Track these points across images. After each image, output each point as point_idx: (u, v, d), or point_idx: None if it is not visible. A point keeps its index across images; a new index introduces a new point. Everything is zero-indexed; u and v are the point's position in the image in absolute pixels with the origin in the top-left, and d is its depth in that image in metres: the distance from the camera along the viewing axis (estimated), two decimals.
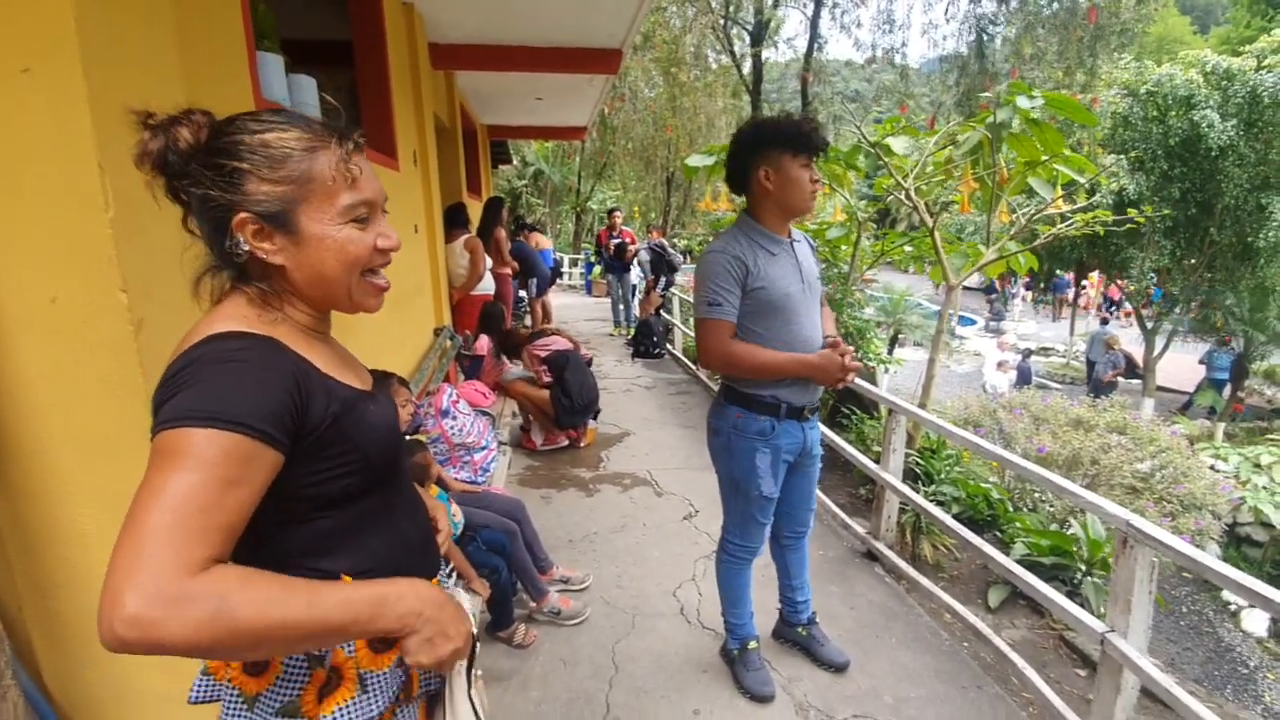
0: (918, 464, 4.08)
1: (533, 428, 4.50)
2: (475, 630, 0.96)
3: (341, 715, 0.86)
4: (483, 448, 3.00)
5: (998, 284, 18.89)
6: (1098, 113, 9.20)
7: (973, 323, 17.09)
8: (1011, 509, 3.62)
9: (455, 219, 5.25)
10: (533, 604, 2.58)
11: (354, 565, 0.90)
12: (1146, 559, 1.77)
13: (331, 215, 0.84)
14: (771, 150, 1.85)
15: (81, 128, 1.12)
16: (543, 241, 10.56)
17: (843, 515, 3.39)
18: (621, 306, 9.26)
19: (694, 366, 6.83)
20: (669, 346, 7.85)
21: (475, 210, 6.51)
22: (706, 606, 2.67)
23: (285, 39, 4.25)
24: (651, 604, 2.72)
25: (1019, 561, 3.20)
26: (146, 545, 0.65)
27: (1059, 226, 3.70)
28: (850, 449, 3.29)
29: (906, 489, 2.91)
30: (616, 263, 9.10)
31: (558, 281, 13.91)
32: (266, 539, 0.82)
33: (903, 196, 3.80)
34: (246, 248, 0.81)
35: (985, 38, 10.95)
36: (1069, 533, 3.21)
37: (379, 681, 0.88)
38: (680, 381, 6.52)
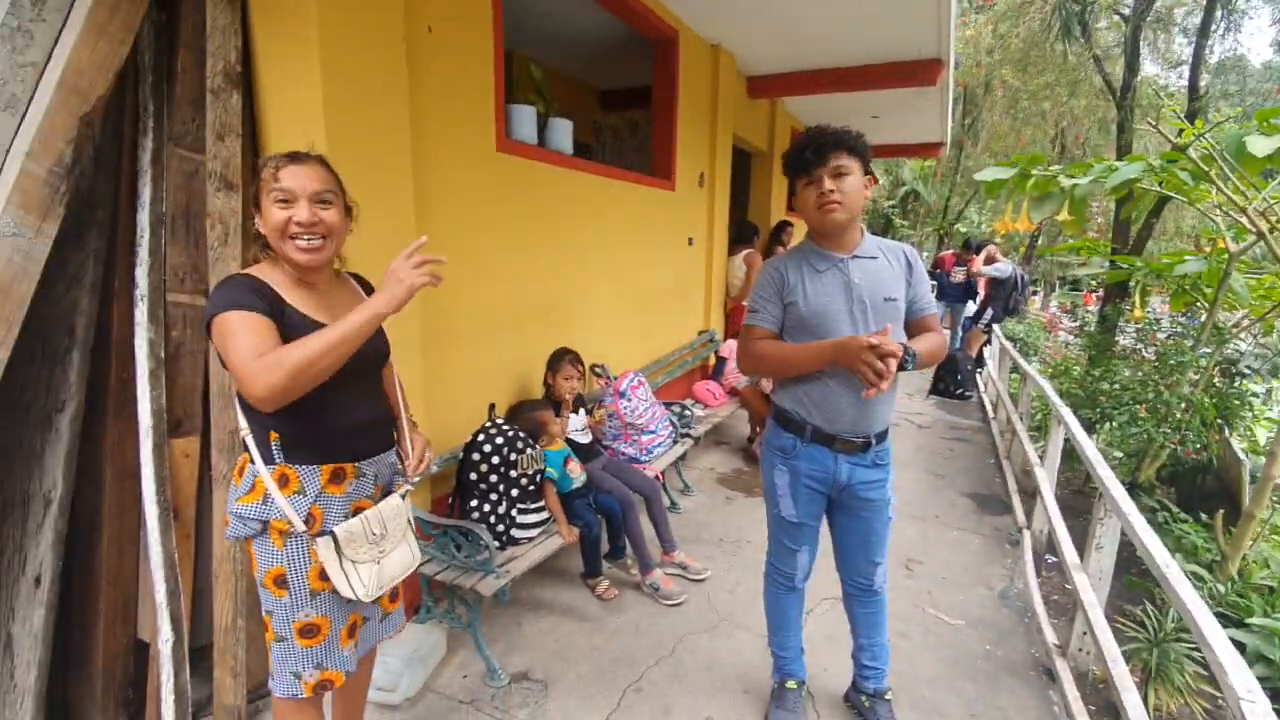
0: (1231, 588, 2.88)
1: (758, 436, 4.64)
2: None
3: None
4: (651, 432, 3.38)
5: None
6: None
7: None
8: None
9: (741, 235, 5.70)
10: (638, 574, 2.88)
11: None
12: None
13: None
14: (791, 179, 1.86)
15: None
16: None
17: (1041, 614, 2.69)
18: (946, 334, 8.36)
19: (992, 414, 5.83)
20: (980, 388, 6.81)
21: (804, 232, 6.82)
22: None
23: (608, 89, 5.34)
24: (746, 618, 2.71)
25: None
26: None
27: None
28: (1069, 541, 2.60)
29: (1095, 600, 2.20)
30: (951, 289, 8.40)
31: None
32: None
33: (1245, 221, 2.70)
34: None
35: None
36: None
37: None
38: (965, 428, 5.65)
